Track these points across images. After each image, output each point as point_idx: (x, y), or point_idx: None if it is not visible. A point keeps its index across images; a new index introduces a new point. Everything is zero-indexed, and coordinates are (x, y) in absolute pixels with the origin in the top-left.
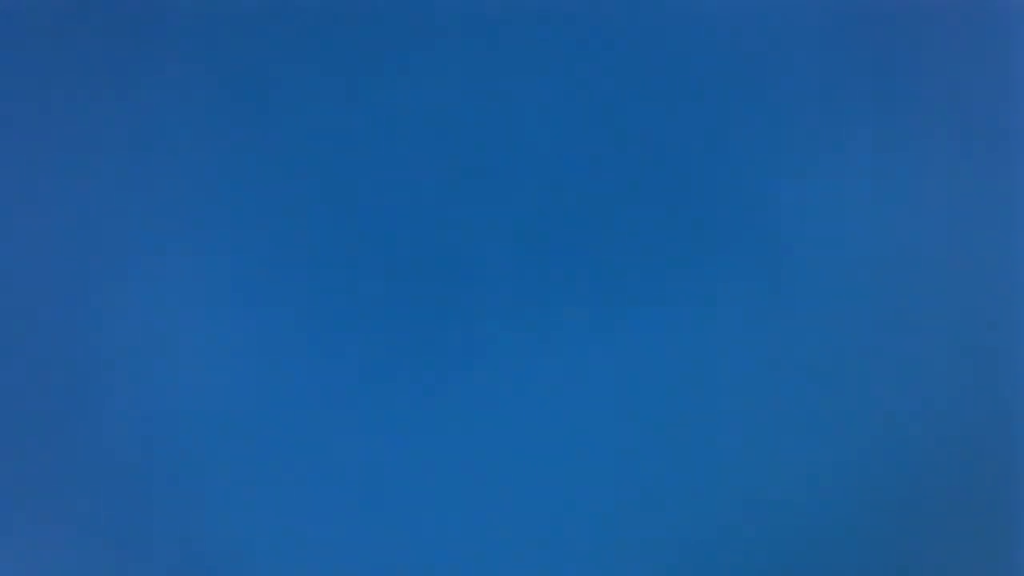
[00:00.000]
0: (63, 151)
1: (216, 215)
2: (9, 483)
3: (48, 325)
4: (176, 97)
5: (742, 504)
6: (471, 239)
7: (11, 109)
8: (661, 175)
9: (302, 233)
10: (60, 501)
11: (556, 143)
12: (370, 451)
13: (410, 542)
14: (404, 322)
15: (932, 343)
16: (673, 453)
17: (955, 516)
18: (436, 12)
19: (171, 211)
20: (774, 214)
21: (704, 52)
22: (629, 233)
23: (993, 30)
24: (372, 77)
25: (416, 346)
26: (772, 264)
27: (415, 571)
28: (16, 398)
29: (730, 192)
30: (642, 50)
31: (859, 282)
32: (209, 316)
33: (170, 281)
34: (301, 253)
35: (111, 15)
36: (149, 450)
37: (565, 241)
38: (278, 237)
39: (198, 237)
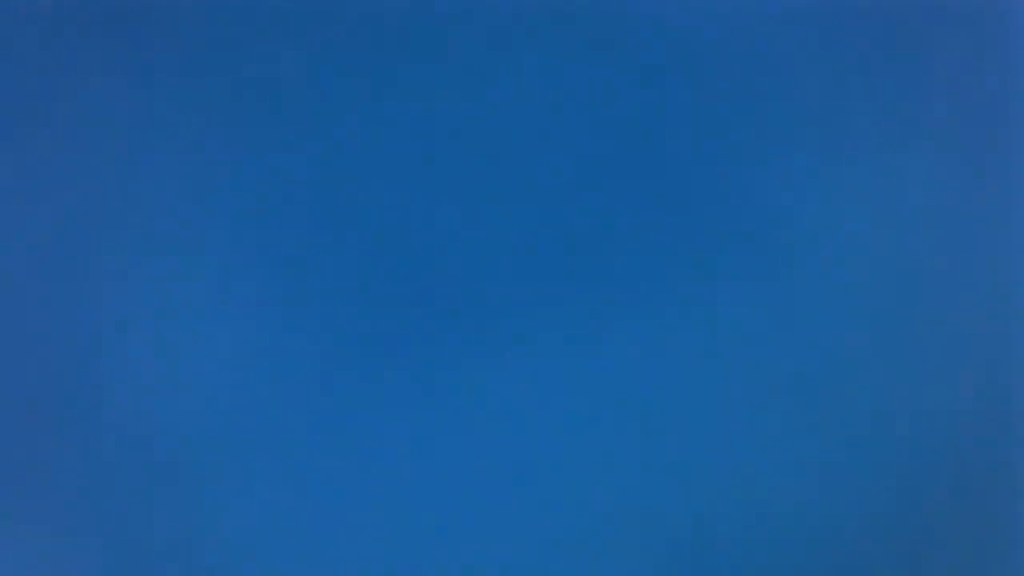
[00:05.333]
0: (63, 151)
1: (216, 216)
2: (6, 484)
3: (47, 325)
4: (177, 100)
5: (743, 507)
6: (469, 241)
7: (11, 108)
8: (660, 178)
9: (303, 234)
10: (58, 502)
11: (553, 144)
12: (368, 452)
13: (410, 543)
14: (404, 323)
15: (934, 344)
16: (674, 455)
17: (957, 517)
18: (437, 14)
19: (170, 212)
20: (775, 216)
21: (703, 54)
22: (628, 235)
23: (993, 30)
24: (372, 77)
25: (415, 348)
26: (773, 266)
27: (415, 572)
28: (14, 399)
29: (730, 194)
30: (642, 52)
31: (860, 284)
32: (209, 316)
33: (169, 281)
34: (301, 254)
35: (110, 15)
36: (147, 451)
37: (564, 243)
38: (278, 238)
39: (198, 237)
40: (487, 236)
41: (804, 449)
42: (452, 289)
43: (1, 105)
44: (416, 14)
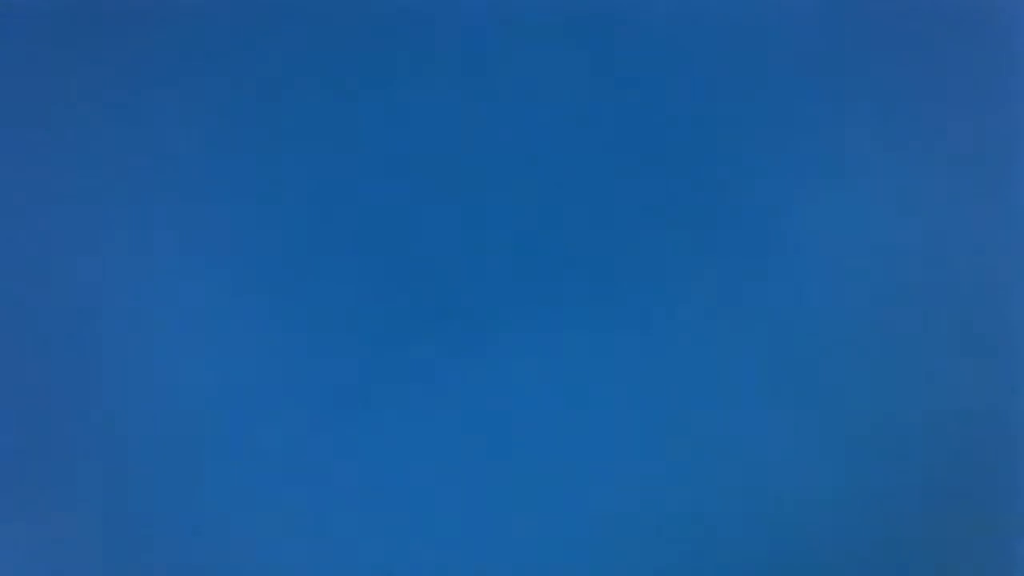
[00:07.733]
0: (64, 149)
1: (217, 215)
2: (7, 482)
3: (47, 326)
4: (176, 98)
5: (743, 504)
6: (470, 239)
7: (11, 108)
8: (660, 176)
9: (304, 233)
10: (58, 500)
11: (551, 143)
12: (370, 451)
13: (410, 542)
14: (405, 323)
15: (932, 343)
16: (674, 453)
17: (957, 518)
18: (437, 14)
19: (172, 211)
20: (777, 216)
21: (700, 53)
22: (627, 233)
23: (993, 30)
24: (373, 78)
25: (416, 348)
26: (773, 264)
27: (415, 572)
28: (13, 399)
29: (730, 192)
30: (639, 51)
31: (861, 283)
32: (209, 315)
33: (170, 280)
34: (302, 253)
35: (110, 15)
36: (147, 450)
37: (563, 240)
38: (279, 237)
39: (199, 236)
40: (486, 236)
41: (805, 449)
42: (452, 288)
43: (1, 105)
44: (416, 14)
